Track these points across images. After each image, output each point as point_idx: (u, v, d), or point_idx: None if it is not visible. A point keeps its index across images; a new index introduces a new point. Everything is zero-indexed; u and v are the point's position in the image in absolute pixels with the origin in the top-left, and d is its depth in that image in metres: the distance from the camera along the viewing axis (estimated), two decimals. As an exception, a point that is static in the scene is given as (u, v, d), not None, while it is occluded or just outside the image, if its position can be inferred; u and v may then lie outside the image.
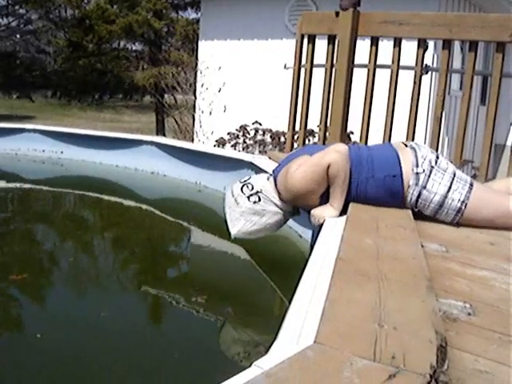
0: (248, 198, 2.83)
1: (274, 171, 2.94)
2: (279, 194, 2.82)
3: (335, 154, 2.55)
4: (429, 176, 2.61)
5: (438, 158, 2.69)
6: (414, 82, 3.97)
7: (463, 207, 2.58)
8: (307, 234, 3.80)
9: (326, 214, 2.58)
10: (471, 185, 2.63)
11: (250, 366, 1.10)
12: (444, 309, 1.51)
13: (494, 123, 3.74)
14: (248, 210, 2.83)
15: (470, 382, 1.10)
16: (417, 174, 2.61)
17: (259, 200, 2.83)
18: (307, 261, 1.94)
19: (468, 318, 1.48)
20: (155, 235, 4.58)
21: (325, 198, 2.64)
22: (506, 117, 8.19)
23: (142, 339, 2.50)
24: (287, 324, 1.31)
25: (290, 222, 3.68)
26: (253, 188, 2.85)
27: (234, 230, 2.88)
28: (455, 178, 2.62)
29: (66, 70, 24.56)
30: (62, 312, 2.80)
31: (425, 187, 2.60)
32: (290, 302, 1.52)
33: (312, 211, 2.63)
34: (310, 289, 1.55)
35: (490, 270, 1.96)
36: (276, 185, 2.84)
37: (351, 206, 2.58)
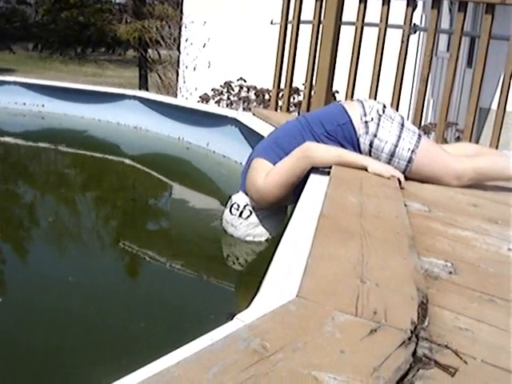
0: (240, 215, 2.89)
1: (240, 185, 2.96)
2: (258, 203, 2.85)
3: (310, 154, 2.58)
4: (378, 124, 2.68)
5: (384, 107, 2.78)
6: (402, 41, 3.94)
7: (413, 156, 2.65)
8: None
9: (377, 166, 2.56)
10: (419, 135, 2.72)
11: (231, 319, 1.10)
12: (426, 267, 1.51)
13: (480, 86, 3.73)
14: (248, 226, 2.91)
15: (450, 339, 1.10)
16: (366, 122, 2.69)
17: (251, 213, 2.89)
18: (289, 218, 1.94)
19: (449, 276, 1.48)
20: (138, 191, 4.55)
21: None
22: (492, 80, 8.18)
23: (118, 298, 2.48)
24: (269, 278, 1.31)
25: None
26: (239, 206, 2.91)
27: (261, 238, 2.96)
28: (404, 128, 2.71)
29: (48, 22, 24.03)
30: (33, 273, 2.72)
31: (375, 135, 2.67)
32: (271, 258, 1.52)
33: (371, 169, 2.54)
34: (292, 244, 1.54)
35: (472, 231, 1.97)
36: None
37: (334, 165, 2.57)
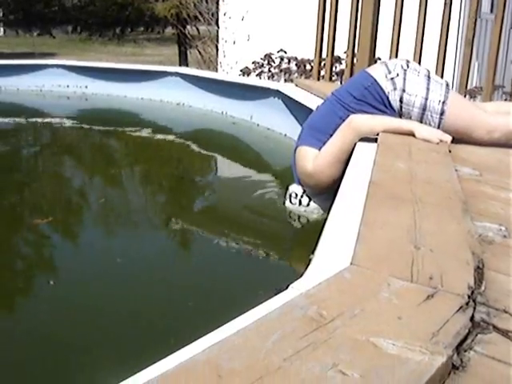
0: (300, 203, 2.93)
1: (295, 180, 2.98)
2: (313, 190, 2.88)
3: (354, 126, 2.58)
4: (404, 78, 2.67)
5: (408, 61, 2.78)
6: (445, 4, 3.85)
7: (445, 108, 2.62)
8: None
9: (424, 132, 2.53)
10: (447, 85, 2.71)
11: (286, 288, 1.10)
12: (479, 231, 1.48)
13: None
14: (312, 212, 2.94)
15: (508, 303, 1.09)
16: (392, 79, 2.67)
17: (310, 199, 2.92)
18: (339, 186, 1.93)
19: (503, 240, 1.46)
20: (187, 168, 4.56)
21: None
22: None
23: (169, 273, 2.52)
24: (322, 247, 1.31)
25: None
26: (296, 194, 2.93)
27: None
28: (431, 79, 2.69)
29: (86, 4, 24.18)
30: (84, 257, 2.74)
31: (404, 90, 2.65)
32: (323, 226, 1.52)
33: (419, 135, 2.51)
34: (343, 212, 1.54)
35: (525, 194, 1.92)
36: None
37: (381, 133, 2.54)
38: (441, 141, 2.45)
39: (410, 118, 2.67)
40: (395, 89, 2.66)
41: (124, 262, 2.55)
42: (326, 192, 2.80)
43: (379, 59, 6.20)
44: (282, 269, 2.60)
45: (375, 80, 2.70)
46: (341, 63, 7.16)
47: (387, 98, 2.67)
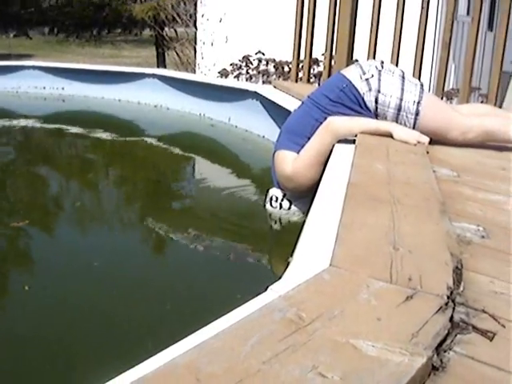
0: (281, 207, 2.92)
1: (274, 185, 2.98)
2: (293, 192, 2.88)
3: (332, 128, 2.59)
4: (379, 79, 2.68)
5: (382, 62, 2.80)
6: (422, 7, 3.87)
7: (420, 108, 2.64)
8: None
9: (402, 133, 2.55)
10: (421, 86, 2.73)
11: (265, 290, 1.09)
12: (457, 232, 1.49)
13: (504, 49, 3.65)
14: (293, 215, 2.92)
15: (487, 303, 1.09)
16: (366, 80, 2.69)
17: (290, 203, 2.91)
18: (317, 188, 1.92)
19: (482, 240, 1.46)
20: (163, 170, 4.52)
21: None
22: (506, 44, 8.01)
23: (145, 276, 2.50)
24: (301, 248, 1.30)
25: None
26: (277, 198, 2.93)
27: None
28: (405, 80, 2.71)
29: (63, 5, 23.99)
30: (60, 260, 2.68)
31: (379, 91, 2.67)
32: (301, 228, 1.51)
33: (397, 136, 2.53)
34: (322, 213, 1.53)
35: (502, 195, 1.94)
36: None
37: (359, 134, 2.55)
38: (418, 142, 2.47)
39: (386, 118, 2.68)
40: (370, 89, 2.67)
41: (101, 266, 2.51)
42: (306, 195, 2.78)
43: (357, 61, 6.23)
44: (261, 271, 2.59)
45: (350, 81, 2.71)
46: (318, 65, 7.18)
47: (363, 98, 2.68)
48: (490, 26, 9.49)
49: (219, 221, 3.20)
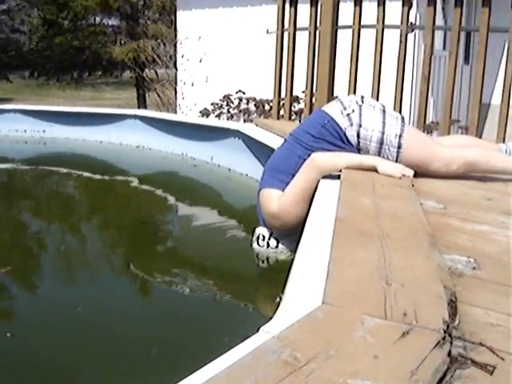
0: (268, 246, 2.89)
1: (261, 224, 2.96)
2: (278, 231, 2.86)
3: (317, 165, 2.59)
4: (360, 114, 2.69)
5: (363, 97, 2.81)
6: (400, 41, 3.92)
7: (402, 141, 2.65)
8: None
9: (386, 167, 2.55)
10: (402, 119, 2.75)
11: (257, 331, 1.06)
12: (448, 264, 1.47)
13: (483, 81, 3.69)
14: (280, 254, 2.89)
15: (484, 336, 1.07)
16: (348, 115, 2.69)
17: (278, 241, 2.88)
18: (304, 225, 1.90)
19: (473, 272, 1.44)
20: (147, 212, 4.45)
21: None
22: (491, 75, 8.13)
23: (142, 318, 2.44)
24: (291, 287, 1.28)
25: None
26: (264, 236, 2.90)
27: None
28: (386, 113, 2.72)
29: (43, 48, 24.12)
30: (43, 306, 2.63)
31: (360, 125, 2.67)
32: (290, 265, 1.49)
33: (381, 170, 2.53)
34: (310, 250, 1.51)
35: (489, 225, 1.93)
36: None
37: (344, 169, 2.54)
38: (403, 175, 2.46)
39: (368, 152, 2.68)
40: (352, 124, 2.67)
41: (84, 312, 2.44)
42: (294, 232, 2.75)
43: (337, 97, 6.29)
44: (250, 312, 2.54)
45: (331, 118, 2.71)
46: (299, 102, 7.24)
47: (344, 134, 2.68)
48: (467, 60, 9.65)
49: (206, 261, 3.16)
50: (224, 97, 8.23)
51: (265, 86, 7.16)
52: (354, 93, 4.19)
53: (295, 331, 0.98)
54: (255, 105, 8.01)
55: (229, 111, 8.18)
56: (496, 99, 7.71)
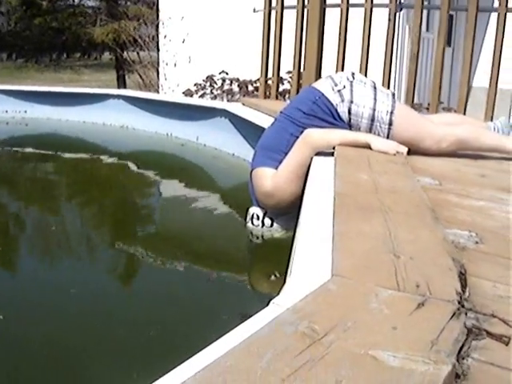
0: (263, 225, 2.86)
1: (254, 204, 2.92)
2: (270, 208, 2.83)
3: (311, 141, 2.56)
4: (351, 90, 2.68)
5: (353, 73, 2.80)
6: (389, 20, 3.89)
7: (393, 118, 2.64)
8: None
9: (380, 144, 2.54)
10: (393, 95, 2.74)
11: (267, 305, 1.04)
12: (451, 238, 1.46)
13: (471, 60, 3.68)
14: (275, 232, 2.87)
15: (495, 308, 1.05)
16: (339, 91, 2.68)
17: (272, 220, 2.86)
18: (301, 202, 1.88)
19: (476, 246, 1.43)
20: (134, 192, 4.39)
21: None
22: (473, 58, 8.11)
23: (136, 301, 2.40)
24: (297, 261, 1.25)
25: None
26: (258, 216, 2.87)
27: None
28: (377, 90, 2.72)
29: (21, 29, 23.74)
30: (31, 288, 2.54)
31: (352, 101, 2.66)
32: (293, 240, 1.47)
33: (375, 147, 2.51)
34: (312, 225, 1.48)
35: (487, 201, 1.92)
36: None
37: (337, 146, 2.52)
38: (397, 152, 2.45)
39: (359, 129, 2.67)
40: (343, 100, 2.65)
41: (78, 294, 2.39)
42: (288, 211, 2.74)
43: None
44: (247, 290, 2.51)
45: (322, 93, 2.69)
46: (283, 83, 7.18)
47: (336, 110, 2.66)
48: (448, 42, 9.64)
49: (198, 240, 3.13)
50: (207, 77, 8.14)
51: (248, 67, 7.10)
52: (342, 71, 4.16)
53: (310, 303, 0.96)
54: (238, 85, 7.94)
55: (212, 92, 8.10)
56: (477, 82, 7.73)
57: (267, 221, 2.85)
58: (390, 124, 2.64)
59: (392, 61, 4.07)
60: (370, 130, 2.66)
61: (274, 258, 2.57)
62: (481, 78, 6.55)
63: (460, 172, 2.42)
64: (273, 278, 2.21)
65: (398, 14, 4.20)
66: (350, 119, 2.66)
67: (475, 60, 8.41)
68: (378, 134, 2.65)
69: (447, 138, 2.67)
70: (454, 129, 2.74)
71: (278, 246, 2.74)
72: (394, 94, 2.76)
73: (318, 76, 4.21)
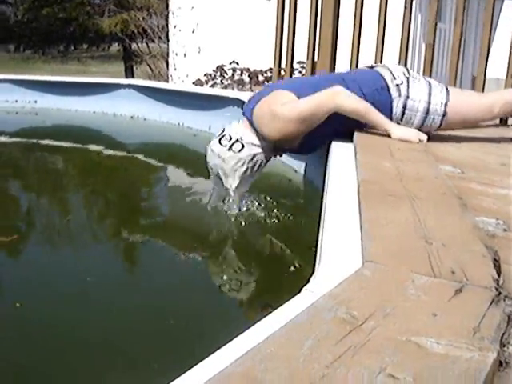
0: (230, 148, 2.70)
1: (243, 113, 2.82)
2: (258, 133, 2.71)
3: (341, 97, 2.50)
4: (408, 86, 2.69)
5: (408, 69, 2.84)
6: (405, 7, 3.84)
7: (447, 109, 2.67)
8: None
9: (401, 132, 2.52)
10: (447, 88, 2.75)
11: (298, 292, 1.01)
12: (479, 226, 1.43)
13: (489, 50, 3.63)
14: (237, 161, 2.71)
15: (530, 295, 1.03)
16: (397, 85, 2.69)
17: (243, 147, 2.71)
18: (323, 188, 1.86)
19: (505, 233, 1.40)
20: (143, 184, 4.34)
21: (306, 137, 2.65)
22: (477, 48, 8.05)
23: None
24: (326, 248, 1.23)
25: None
26: (231, 138, 2.72)
27: (233, 186, 2.78)
28: (431, 84, 2.74)
29: (29, 20, 23.72)
30: (48, 276, 2.50)
31: (408, 97, 2.67)
32: (318, 226, 1.44)
33: (395, 136, 2.48)
34: (339, 212, 1.46)
35: (511, 189, 1.89)
36: (252, 124, 2.72)
37: (356, 133, 2.49)
38: (420, 140, 2.43)
39: (412, 122, 2.67)
40: (400, 95, 2.67)
41: (94, 283, 2.37)
42: (278, 146, 2.75)
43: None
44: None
45: (386, 85, 2.69)
46: (294, 74, 7.13)
47: (391, 103, 2.66)
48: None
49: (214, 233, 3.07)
50: (217, 67, 8.10)
51: (259, 57, 7.06)
52: (357, 61, 4.12)
53: (346, 289, 0.94)
54: (249, 75, 7.90)
55: (222, 82, 8.07)
56: (489, 73, 7.65)
57: (237, 145, 2.70)
58: (444, 115, 2.67)
59: (408, 50, 4.02)
60: (422, 122, 2.68)
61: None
62: (491, 69, 6.49)
63: (480, 160, 2.39)
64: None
65: (414, 1, 4.15)
66: (403, 113, 2.67)
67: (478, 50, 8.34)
68: (431, 126, 2.68)
69: (497, 103, 2.72)
70: (501, 92, 2.84)
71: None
72: (447, 87, 2.77)
73: (333, 66, 4.17)
